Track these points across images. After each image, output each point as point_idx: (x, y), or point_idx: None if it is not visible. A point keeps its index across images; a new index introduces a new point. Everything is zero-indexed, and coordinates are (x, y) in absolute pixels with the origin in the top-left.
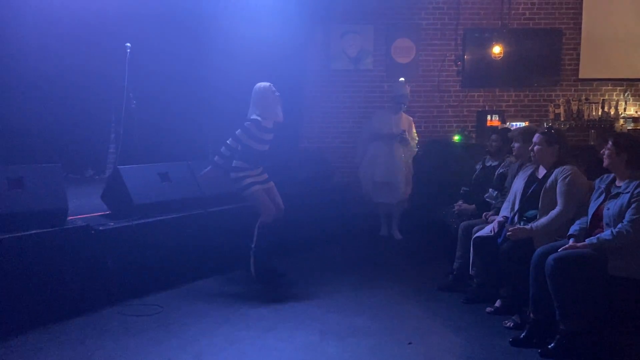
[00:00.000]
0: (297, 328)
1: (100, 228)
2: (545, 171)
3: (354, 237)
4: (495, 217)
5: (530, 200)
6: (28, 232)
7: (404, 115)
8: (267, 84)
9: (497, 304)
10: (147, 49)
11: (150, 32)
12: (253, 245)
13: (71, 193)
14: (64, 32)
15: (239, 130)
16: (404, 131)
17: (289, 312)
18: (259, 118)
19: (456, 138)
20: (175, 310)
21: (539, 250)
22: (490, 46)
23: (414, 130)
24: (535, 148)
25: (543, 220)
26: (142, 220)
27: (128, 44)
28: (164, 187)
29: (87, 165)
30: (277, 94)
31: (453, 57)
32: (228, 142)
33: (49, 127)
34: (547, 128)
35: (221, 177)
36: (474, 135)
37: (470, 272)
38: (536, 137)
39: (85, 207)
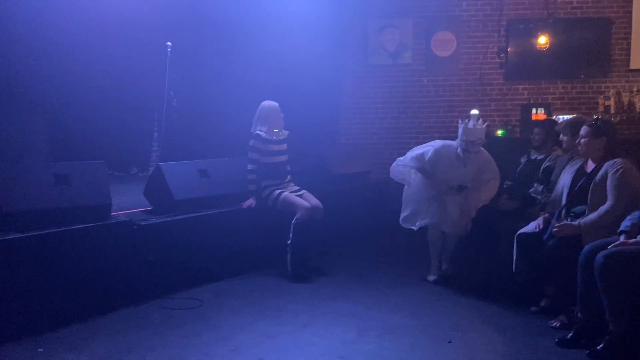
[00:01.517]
0: (333, 324)
1: (142, 223)
2: (594, 165)
3: (391, 234)
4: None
5: (578, 195)
6: (73, 227)
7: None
8: (275, 103)
9: (543, 303)
10: (187, 47)
11: (188, 30)
12: (289, 242)
13: (116, 190)
14: (109, 31)
15: (248, 152)
16: (463, 186)
17: (326, 308)
18: (260, 132)
19: (499, 132)
20: (214, 305)
21: (587, 247)
22: (536, 37)
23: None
24: (582, 141)
25: (592, 216)
26: (182, 216)
27: (169, 43)
28: (204, 184)
29: (132, 163)
30: (281, 114)
31: (496, 49)
32: (248, 167)
33: (97, 126)
34: (594, 119)
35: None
36: (518, 130)
37: (514, 270)
38: (583, 130)
39: (128, 203)
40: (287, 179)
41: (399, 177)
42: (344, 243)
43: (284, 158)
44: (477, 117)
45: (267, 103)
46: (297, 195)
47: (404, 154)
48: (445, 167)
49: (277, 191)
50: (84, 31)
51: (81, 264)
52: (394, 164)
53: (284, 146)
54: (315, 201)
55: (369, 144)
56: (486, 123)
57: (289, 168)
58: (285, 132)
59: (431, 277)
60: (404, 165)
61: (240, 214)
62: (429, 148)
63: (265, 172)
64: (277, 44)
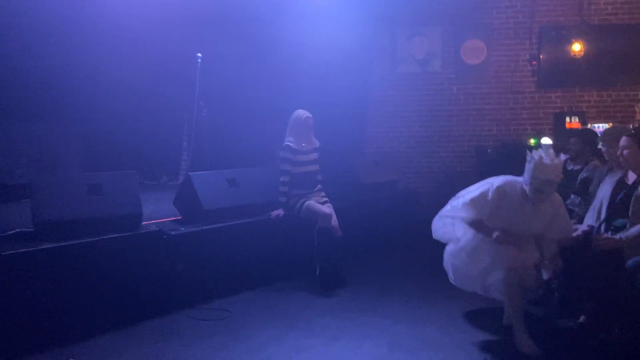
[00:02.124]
0: (364, 338)
1: (172, 233)
2: (635, 177)
3: (421, 244)
4: (579, 226)
5: (619, 208)
6: (105, 237)
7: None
8: (303, 114)
9: (582, 319)
10: (217, 57)
11: (218, 41)
12: (315, 249)
13: (146, 199)
14: (140, 43)
15: (279, 163)
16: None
17: (356, 321)
18: (289, 142)
19: (532, 141)
20: (242, 316)
21: (630, 262)
22: (569, 44)
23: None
24: (625, 152)
25: (634, 230)
26: (211, 226)
27: (199, 54)
28: (232, 193)
29: (162, 172)
30: (310, 122)
31: (528, 57)
32: (280, 179)
33: (128, 135)
34: (634, 129)
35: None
36: (551, 139)
37: (552, 285)
38: (623, 140)
39: (158, 212)
40: (316, 188)
41: (446, 237)
42: (373, 254)
43: (313, 168)
44: (549, 147)
45: (295, 113)
46: (320, 203)
47: (434, 162)
48: (510, 212)
49: (303, 200)
50: (116, 43)
51: (112, 274)
52: (435, 218)
53: (313, 156)
54: (333, 219)
55: (397, 152)
56: (564, 157)
57: (320, 177)
58: (316, 142)
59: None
60: (453, 217)
61: (268, 223)
62: (487, 187)
63: (295, 182)
64: (306, 53)
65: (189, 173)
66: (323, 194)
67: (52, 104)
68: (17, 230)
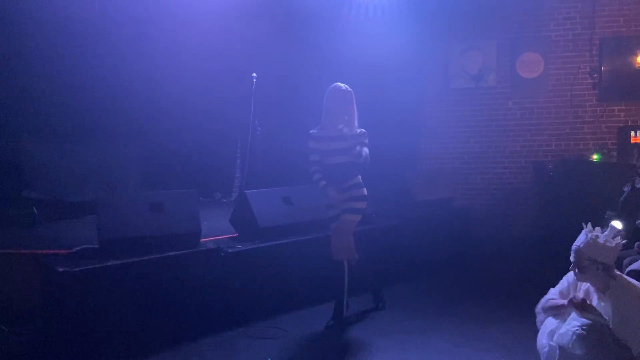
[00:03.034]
0: None
1: (229, 250)
2: None
3: (477, 264)
4: None
5: None
6: (166, 254)
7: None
8: (336, 85)
9: None
10: (272, 76)
11: (273, 60)
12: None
13: (201, 215)
14: (196, 64)
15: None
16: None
17: (415, 343)
18: (314, 130)
19: (595, 157)
20: (298, 334)
21: None
22: (632, 55)
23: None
24: None
25: None
26: (267, 243)
27: (254, 74)
28: (287, 211)
29: (216, 188)
30: (345, 99)
31: (588, 69)
32: (313, 177)
33: (184, 153)
34: None
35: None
36: (615, 154)
37: None
38: None
39: (215, 229)
40: (348, 184)
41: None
42: (428, 273)
43: (342, 159)
44: (615, 232)
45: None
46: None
47: (489, 179)
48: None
49: (329, 210)
50: (173, 64)
51: (172, 291)
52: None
53: (341, 145)
54: (338, 244)
55: (451, 168)
56: (621, 241)
57: (349, 173)
58: (350, 130)
59: None
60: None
61: (323, 241)
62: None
63: (323, 173)
64: (359, 69)
65: (245, 191)
66: (352, 193)
67: (115, 124)
68: (83, 246)
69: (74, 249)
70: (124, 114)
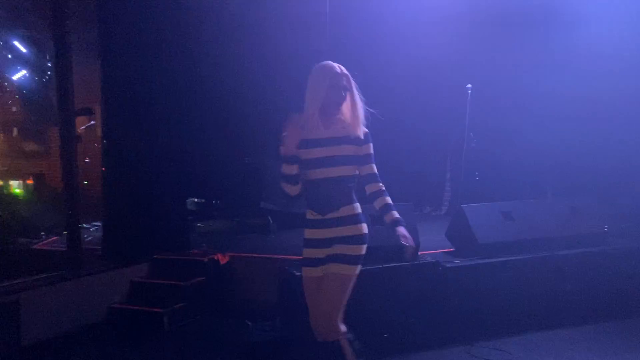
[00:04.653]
0: None
1: (448, 265)
2: None
3: None
4: None
5: None
6: (387, 265)
7: None
8: (326, 64)
9: None
10: (486, 87)
11: (487, 71)
12: None
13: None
14: (408, 77)
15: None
16: None
17: None
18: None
19: None
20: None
21: None
22: None
23: None
24: None
25: None
26: (488, 260)
27: (469, 85)
28: (508, 227)
29: (425, 202)
30: (338, 89)
31: None
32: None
33: (394, 165)
34: None
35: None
36: None
37: None
38: None
39: (428, 243)
40: (333, 215)
41: None
42: None
43: (333, 173)
44: None
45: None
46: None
47: None
48: None
49: (305, 250)
50: (386, 82)
51: (388, 302)
52: None
53: (324, 151)
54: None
55: None
56: None
57: (346, 190)
58: (354, 130)
59: None
60: None
61: (550, 260)
62: None
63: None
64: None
65: (462, 205)
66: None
67: None
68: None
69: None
70: None
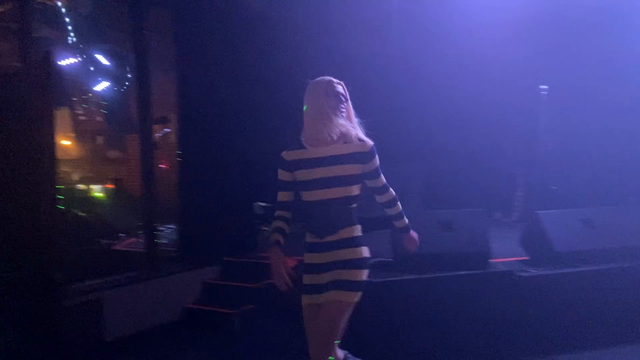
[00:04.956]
0: None
1: (522, 274)
2: None
3: None
4: None
5: None
6: (457, 272)
7: None
8: (324, 79)
9: None
10: (561, 89)
11: (562, 72)
12: None
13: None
14: (479, 82)
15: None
16: None
17: None
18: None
19: None
20: None
21: None
22: None
23: None
24: None
25: None
26: (565, 270)
27: (543, 87)
28: (588, 235)
29: (496, 208)
30: (337, 96)
31: None
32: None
33: (463, 171)
34: None
35: None
36: None
37: None
38: None
39: (500, 250)
40: (336, 234)
41: None
42: None
43: (332, 194)
44: None
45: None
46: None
47: None
48: None
49: (304, 276)
50: (456, 83)
51: (461, 310)
52: None
53: (318, 171)
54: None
55: None
56: None
57: (347, 211)
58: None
59: None
60: None
61: (635, 270)
62: None
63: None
64: None
65: (537, 212)
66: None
67: (400, 144)
68: (378, 259)
69: (371, 260)
70: (407, 134)
